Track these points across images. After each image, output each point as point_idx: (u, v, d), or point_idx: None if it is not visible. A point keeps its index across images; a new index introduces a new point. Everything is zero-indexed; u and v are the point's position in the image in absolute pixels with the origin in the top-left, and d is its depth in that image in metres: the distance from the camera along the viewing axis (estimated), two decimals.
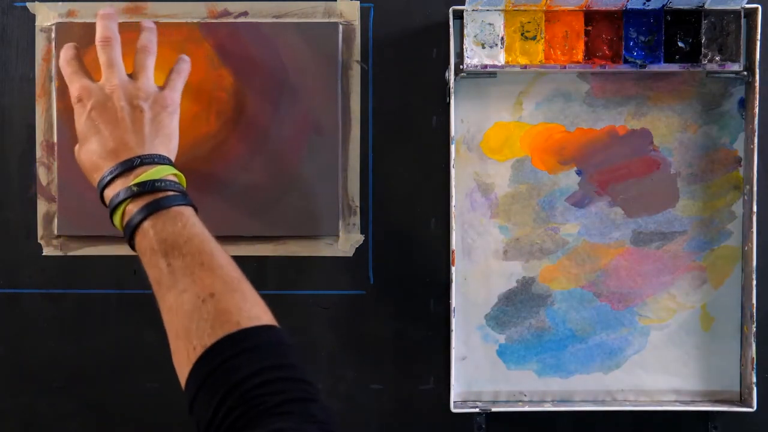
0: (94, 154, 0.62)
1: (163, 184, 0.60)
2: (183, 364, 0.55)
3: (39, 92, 0.77)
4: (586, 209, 0.78)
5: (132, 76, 0.66)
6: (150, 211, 0.59)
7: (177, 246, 0.57)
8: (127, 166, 0.61)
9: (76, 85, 0.65)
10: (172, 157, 0.65)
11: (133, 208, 0.59)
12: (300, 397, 0.51)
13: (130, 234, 0.60)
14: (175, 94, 0.66)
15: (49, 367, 0.78)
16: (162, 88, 0.67)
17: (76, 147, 0.65)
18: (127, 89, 0.64)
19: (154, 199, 0.59)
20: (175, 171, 0.62)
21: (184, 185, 0.63)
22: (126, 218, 0.60)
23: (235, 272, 0.58)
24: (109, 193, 0.61)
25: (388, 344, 0.79)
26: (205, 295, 0.55)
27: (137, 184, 0.60)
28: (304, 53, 0.77)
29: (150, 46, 0.67)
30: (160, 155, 0.62)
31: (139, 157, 0.61)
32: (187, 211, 0.60)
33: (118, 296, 0.78)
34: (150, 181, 0.60)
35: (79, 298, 0.78)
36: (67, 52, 0.67)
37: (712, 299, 0.78)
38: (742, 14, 0.75)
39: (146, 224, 0.58)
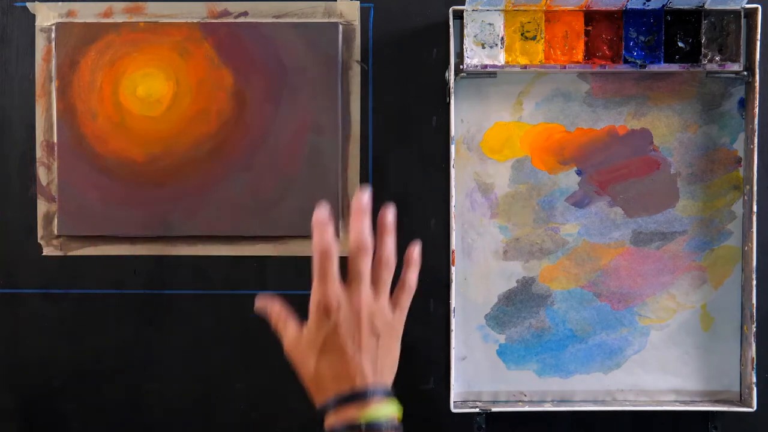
0: (323, 369, 0.59)
1: (388, 424, 0.58)
2: None
3: (39, 92, 0.77)
4: (586, 209, 0.78)
5: (373, 288, 0.61)
6: None
7: None
8: (358, 398, 0.58)
9: (325, 289, 0.59)
10: (392, 382, 0.62)
11: None
12: None
13: None
14: (404, 317, 0.62)
15: (49, 367, 0.78)
16: (393, 307, 0.62)
17: (296, 344, 0.61)
18: (372, 311, 0.60)
19: None
20: (397, 408, 0.60)
21: (400, 419, 0.60)
22: None
23: None
24: (332, 420, 0.58)
25: None
26: None
27: (368, 424, 0.57)
28: (304, 53, 0.77)
29: (392, 258, 0.61)
30: (388, 388, 0.60)
31: (370, 389, 0.59)
32: None
33: (118, 296, 0.78)
34: (379, 422, 0.57)
35: (79, 298, 0.78)
36: (326, 237, 0.58)
37: (712, 299, 0.78)
38: (742, 14, 0.75)
39: None
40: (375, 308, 0.60)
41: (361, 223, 0.59)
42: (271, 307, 0.63)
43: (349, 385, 0.58)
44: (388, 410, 0.59)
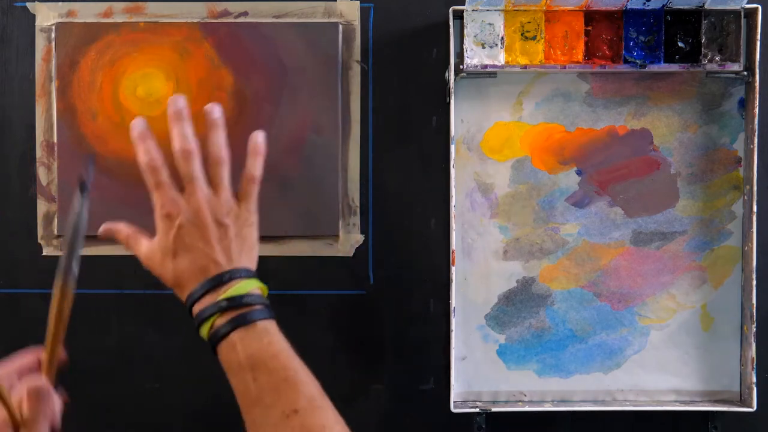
0: (183, 271, 0.63)
1: (249, 298, 0.61)
2: None
3: (39, 92, 0.77)
4: (586, 209, 0.78)
5: (211, 188, 0.65)
6: (237, 324, 0.60)
7: (263, 361, 0.59)
8: (216, 282, 0.62)
9: (163, 198, 0.64)
10: (255, 266, 0.65)
11: (221, 321, 0.61)
12: None
13: (215, 343, 0.61)
14: (252, 205, 0.66)
15: None
16: (239, 200, 0.66)
17: (151, 256, 0.65)
18: (213, 205, 0.64)
19: (241, 313, 0.61)
20: (260, 284, 0.63)
21: (266, 295, 0.64)
22: (213, 330, 0.61)
23: (316, 389, 0.60)
24: (198, 307, 0.62)
25: (388, 344, 0.79)
26: (289, 411, 0.57)
27: (226, 299, 0.61)
28: (304, 53, 0.77)
29: (222, 154, 0.65)
30: (246, 269, 0.64)
31: (227, 272, 0.62)
32: (272, 327, 0.61)
33: (118, 296, 0.78)
34: (237, 296, 0.61)
35: (79, 298, 0.78)
36: (147, 147, 0.64)
37: (712, 299, 0.78)
38: (742, 14, 0.75)
39: (234, 337, 0.60)
40: (215, 203, 0.64)
41: (179, 129, 0.64)
42: (117, 228, 0.67)
43: (205, 275, 0.62)
44: (248, 287, 0.62)
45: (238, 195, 0.66)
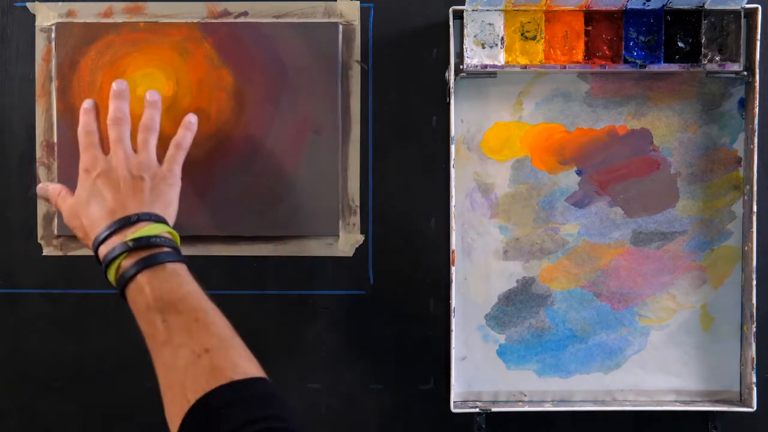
0: (93, 214, 0.65)
1: (158, 240, 0.62)
2: (176, 415, 0.55)
3: (39, 92, 0.77)
4: (586, 209, 0.78)
5: (135, 151, 0.69)
6: (145, 265, 0.61)
7: (173, 303, 0.59)
8: (124, 223, 0.63)
9: (86, 156, 0.68)
10: (170, 222, 0.67)
11: (128, 262, 0.62)
12: None
13: (122, 286, 0.62)
14: (175, 167, 0.70)
15: (49, 367, 0.78)
16: (164, 161, 0.70)
17: (69, 209, 0.68)
18: (131, 162, 0.67)
19: (150, 254, 0.61)
20: (170, 229, 0.65)
21: (179, 243, 0.65)
22: (120, 271, 0.62)
23: (227, 329, 0.60)
24: (105, 249, 0.63)
25: (388, 344, 0.79)
26: (200, 351, 0.57)
27: (133, 240, 0.62)
28: (304, 53, 0.77)
29: (152, 124, 0.70)
30: (156, 215, 0.65)
31: (136, 214, 0.64)
32: (182, 269, 0.62)
33: (118, 296, 0.78)
34: (145, 237, 0.62)
35: (79, 298, 0.78)
36: (87, 119, 0.70)
37: (712, 299, 0.78)
38: (742, 14, 0.75)
39: (141, 279, 0.60)
40: (135, 160, 0.68)
41: (116, 102, 0.69)
42: (52, 187, 0.71)
43: (113, 218, 0.64)
44: (156, 229, 0.63)
45: (164, 159, 0.70)
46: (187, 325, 0.58)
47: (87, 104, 0.70)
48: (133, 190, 0.66)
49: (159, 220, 0.65)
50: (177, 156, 0.70)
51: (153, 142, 0.69)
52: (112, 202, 0.65)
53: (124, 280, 0.61)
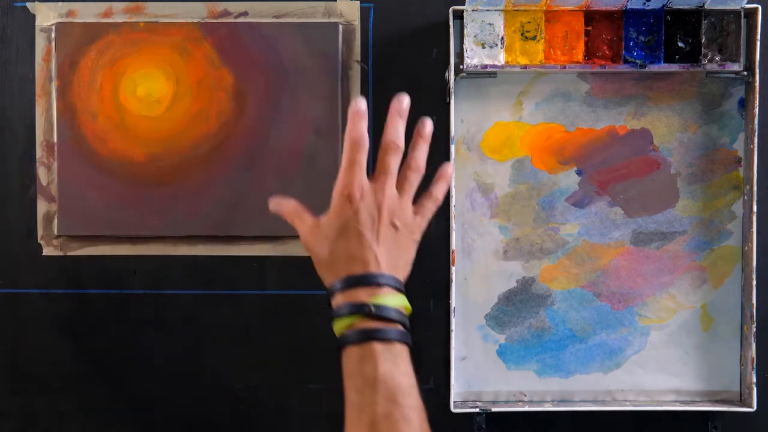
0: (341, 254, 0.61)
1: (397, 314, 0.59)
2: None
3: (39, 92, 0.77)
4: (586, 209, 0.78)
5: (398, 189, 0.63)
6: (377, 337, 0.58)
7: (393, 391, 0.56)
8: (370, 281, 0.59)
9: (351, 179, 0.62)
10: (402, 280, 0.63)
11: (362, 325, 0.58)
12: None
13: (346, 343, 0.59)
14: (424, 224, 0.65)
15: (49, 367, 0.78)
16: (416, 213, 0.64)
17: (317, 230, 0.63)
18: (393, 206, 0.62)
19: (386, 327, 0.58)
20: (407, 304, 0.61)
21: (408, 315, 0.62)
22: (350, 330, 0.59)
23: None
24: (342, 299, 0.60)
25: None
26: None
27: (376, 306, 0.58)
28: (304, 53, 0.77)
29: (423, 169, 0.64)
30: (400, 281, 0.61)
31: (383, 275, 0.60)
32: (407, 353, 0.59)
33: (118, 296, 0.78)
34: (389, 307, 0.59)
35: (79, 298, 0.78)
36: (361, 125, 0.62)
37: (712, 299, 0.79)
38: (742, 14, 0.75)
39: (369, 349, 0.57)
40: (396, 204, 0.62)
41: (396, 123, 0.62)
42: (286, 204, 0.65)
43: (362, 267, 0.60)
44: (397, 301, 0.59)
45: (416, 208, 0.64)
46: (396, 420, 0.55)
47: (361, 105, 0.62)
48: (386, 240, 0.61)
49: (400, 288, 0.61)
50: (431, 212, 0.65)
51: (416, 186, 0.64)
52: (364, 249, 0.60)
53: (350, 341, 0.58)
